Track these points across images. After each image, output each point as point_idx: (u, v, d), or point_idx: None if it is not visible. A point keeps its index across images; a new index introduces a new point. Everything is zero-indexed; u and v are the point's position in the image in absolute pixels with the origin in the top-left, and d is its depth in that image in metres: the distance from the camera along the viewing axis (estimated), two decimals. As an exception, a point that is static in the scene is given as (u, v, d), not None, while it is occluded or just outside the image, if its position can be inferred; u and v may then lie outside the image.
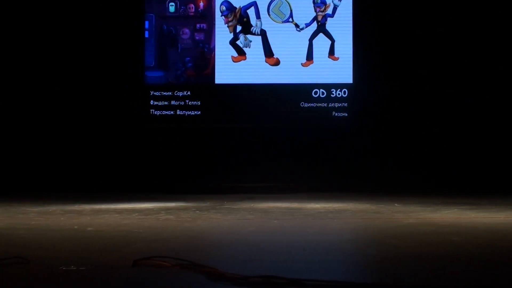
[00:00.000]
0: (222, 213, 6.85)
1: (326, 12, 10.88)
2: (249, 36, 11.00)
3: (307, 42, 10.90)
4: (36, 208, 7.41)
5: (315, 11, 10.90)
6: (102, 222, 5.91)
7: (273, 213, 6.84)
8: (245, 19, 11.00)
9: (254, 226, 5.61)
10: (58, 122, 10.91)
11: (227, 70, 11.02)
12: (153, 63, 11.11)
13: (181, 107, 11.06)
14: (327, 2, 10.89)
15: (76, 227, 5.48)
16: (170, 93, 11.06)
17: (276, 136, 10.89)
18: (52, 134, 10.90)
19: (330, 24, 10.90)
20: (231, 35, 11.01)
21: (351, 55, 10.78)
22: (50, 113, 10.90)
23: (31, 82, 10.94)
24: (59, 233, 5.09)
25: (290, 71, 10.91)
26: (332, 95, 10.84)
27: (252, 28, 11.01)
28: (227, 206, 7.78)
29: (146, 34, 11.10)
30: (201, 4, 11.06)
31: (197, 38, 11.09)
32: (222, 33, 11.03)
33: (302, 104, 10.92)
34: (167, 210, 7.22)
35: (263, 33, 10.98)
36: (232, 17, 11.00)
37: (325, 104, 10.86)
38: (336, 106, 10.85)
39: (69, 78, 10.97)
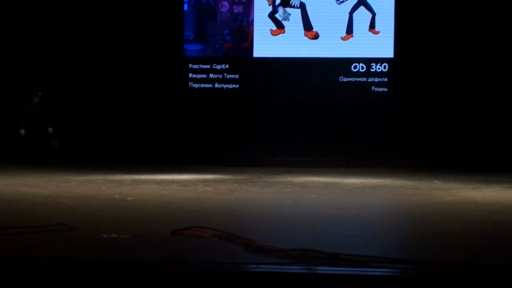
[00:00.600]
0: (260, 186, 6.88)
1: (367, -15, 10.65)
2: (288, 9, 10.88)
3: (347, 15, 10.71)
4: (79, 177, 7.59)
5: (356, -17, 10.68)
6: (142, 192, 6.02)
7: (310, 187, 6.83)
8: (284, -8, 10.87)
9: (291, 200, 5.62)
10: (102, 95, 11.06)
11: (266, 44, 10.95)
12: (192, 36, 11.12)
13: (219, 81, 11.09)
14: (369, -26, 10.65)
15: (117, 196, 5.59)
16: (208, 66, 11.09)
17: (315, 110, 10.82)
18: (95, 107, 11.08)
19: (371, -3, 10.68)
20: (270, 8, 10.91)
21: (393, 29, 10.56)
22: (94, 86, 11.04)
23: (73, 56, 11.10)
24: (101, 202, 5.20)
25: (329, 45, 10.78)
26: (372, 70, 10.68)
27: (291, 1, 10.87)
28: (264, 179, 7.81)
29: (185, 7, 11.10)
30: (240, -24, 10.98)
31: (235, 11, 11.03)
32: (261, 6, 10.94)
33: (341, 78, 10.80)
34: (205, 182, 7.30)
35: (302, 6, 10.84)
36: (271, -11, 10.88)
37: (365, 79, 10.72)
38: (376, 81, 10.69)
39: (108, 51, 11.08)
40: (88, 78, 11.05)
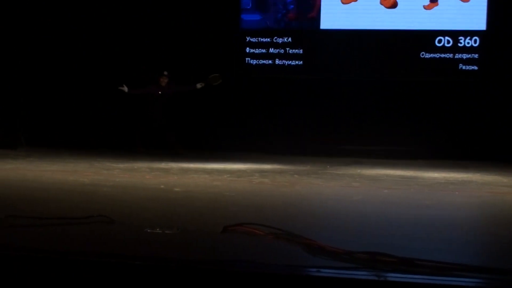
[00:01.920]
0: (324, 179, 6.88)
1: None
2: (362, -27, 10.74)
3: (432, -20, 10.49)
4: (121, 164, 7.80)
5: None
6: (191, 182, 6.13)
7: (383, 182, 6.78)
8: (357, -47, 10.74)
9: (360, 195, 5.60)
10: (148, 73, 11.27)
11: (335, 14, 10.86)
12: (250, 5, 11.15)
13: (280, 56, 11.09)
14: None
15: (162, 186, 5.72)
16: (268, 40, 11.10)
17: (391, 91, 10.67)
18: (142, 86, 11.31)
19: (461, -42, 10.41)
20: (341, -28, 10.80)
21: (486, -4, 10.28)
22: (139, 65, 11.26)
23: (116, 31, 11.36)
24: (144, 192, 5.34)
25: (409, 15, 10.57)
26: (459, 44, 10.43)
27: (366, -37, 10.73)
28: (330, 171, 7.80)
29: (243, -29, 11.14)
30: None
31: (301, -25, 10.99)
32: (330, -31, 10.85)
33: (423, 54, 10.60)
34: (261, 172, 7.35)
35: (379, -31, 10.68)
36: (342, -50, 10.77)
37: (451, 55, 10.49)
38: (465, 57, 10.44)
39: (158, 23, 11.25)
40: (134, 54, 11.28)
